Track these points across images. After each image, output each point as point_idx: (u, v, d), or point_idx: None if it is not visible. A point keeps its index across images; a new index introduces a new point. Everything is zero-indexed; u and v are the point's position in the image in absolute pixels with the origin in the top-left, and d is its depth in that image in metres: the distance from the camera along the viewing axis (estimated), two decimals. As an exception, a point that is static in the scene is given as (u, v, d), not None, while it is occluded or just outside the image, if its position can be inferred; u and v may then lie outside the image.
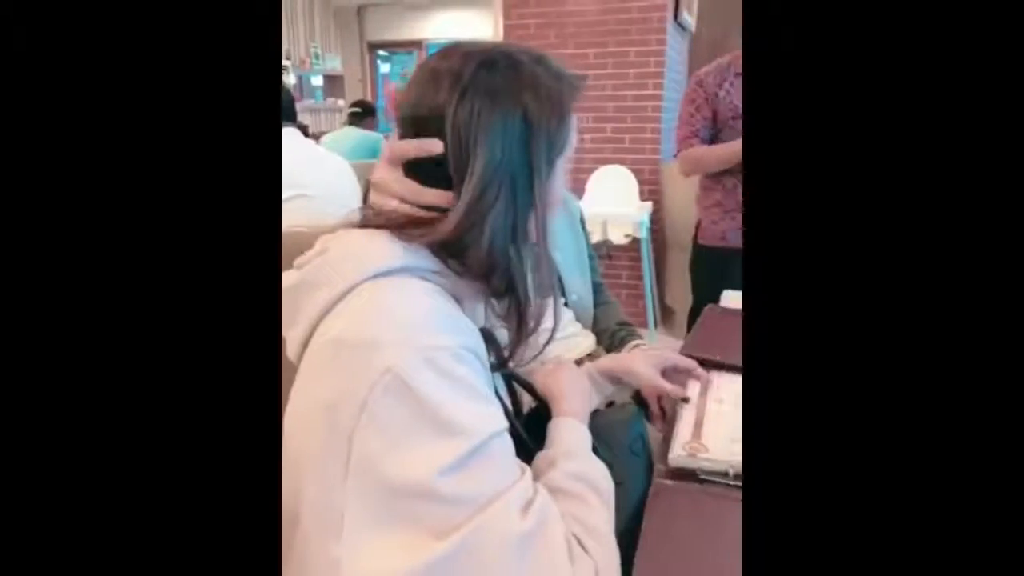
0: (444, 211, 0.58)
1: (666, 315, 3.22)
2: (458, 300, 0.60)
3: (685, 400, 0.81)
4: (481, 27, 6.76)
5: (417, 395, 0.48)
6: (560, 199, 0.64)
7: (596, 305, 1.41)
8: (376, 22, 7.64)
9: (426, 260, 0.57)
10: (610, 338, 1.35)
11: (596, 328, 1.38)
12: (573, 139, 0.63)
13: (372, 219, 0.61)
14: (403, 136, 0.60)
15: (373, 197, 0.62)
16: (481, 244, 0.57)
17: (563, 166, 0.62)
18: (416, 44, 7.78)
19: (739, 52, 1.77)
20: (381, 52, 7.95)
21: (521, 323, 0.62)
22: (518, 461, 0.54)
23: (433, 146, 0.57)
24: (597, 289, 1.42)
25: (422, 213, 0.59)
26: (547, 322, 0.65)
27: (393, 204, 0.60)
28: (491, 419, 0.52)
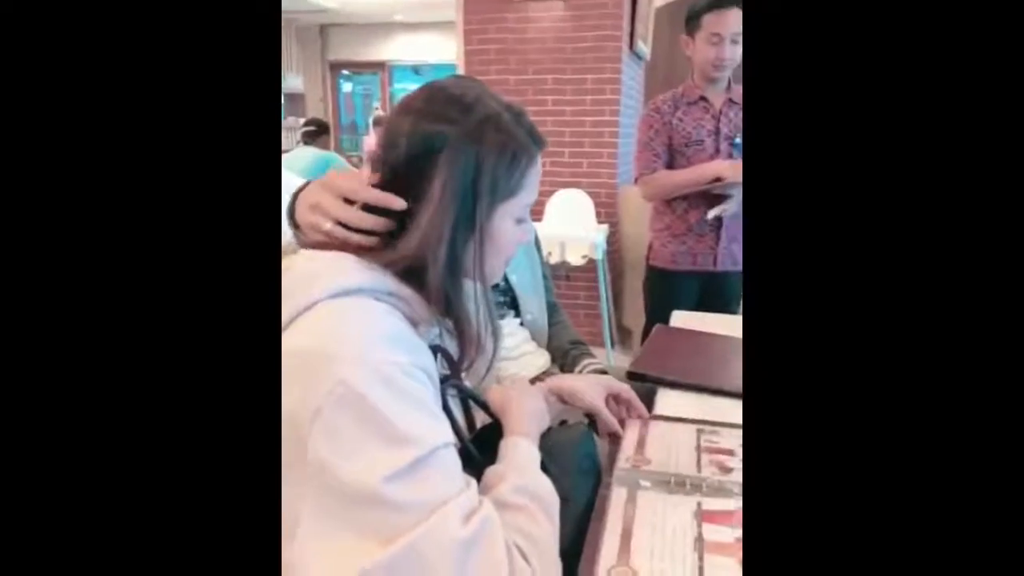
0: (379, 234, 0.63)
1: (623, 335, 3.28)
2: (413, 321, 0.63)
3: (613, 435, 0.85)
4: (444, 50, 6.82)
5: (368, 406, 0.51)
6: (508, 243, 0.68)
7: (550, 325, 1.44)
8: (339, 42, 7.64)
9: (385, 282, 0.60)
10: (563, 356, 1.39)
11: (550, 347, 1.42)
12: (527, 190, 0.67)
13: (332, 241, 0.64)
14: (374, 170, 0.65)
15: (307, 216, 0.66)
16: (434, 271, 0.61)
17: (511, 212, 0.66)
18: (379, 65, 7.80)
19: (690, 82, 1.84)
20: (344, 72, 7.95)
21: (464, 346, 0.67)
22: (464, 474, 0.57)
23: (396, 202, 0.62)
24: (552, 309, 1.46)
25: (358, 237, 0.63)
26: (488, 347, 0.69)
27: (327, 226, 0.63)
28: (438, 432, 0.55)
